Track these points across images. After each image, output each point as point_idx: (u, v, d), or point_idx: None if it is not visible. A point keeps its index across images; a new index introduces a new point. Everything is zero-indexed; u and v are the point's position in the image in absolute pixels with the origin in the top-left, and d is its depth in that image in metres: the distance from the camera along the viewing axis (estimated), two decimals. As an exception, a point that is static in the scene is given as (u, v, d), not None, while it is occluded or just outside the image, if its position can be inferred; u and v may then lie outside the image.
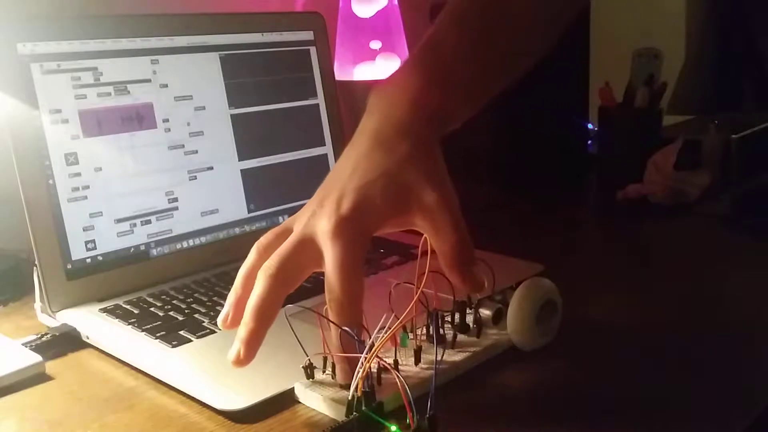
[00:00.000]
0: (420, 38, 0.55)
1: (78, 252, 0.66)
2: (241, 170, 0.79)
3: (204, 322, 0.61)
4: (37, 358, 0.57)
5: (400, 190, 0.48)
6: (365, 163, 0.49)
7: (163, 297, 0.67)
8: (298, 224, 0.49)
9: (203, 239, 0.75)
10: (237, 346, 0.47)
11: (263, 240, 0.51)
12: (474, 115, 0.54)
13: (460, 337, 0.56)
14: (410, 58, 0.54)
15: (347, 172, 0.49)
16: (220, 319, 0.50)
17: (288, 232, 0.50)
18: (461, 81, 0.53)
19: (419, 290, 0.47)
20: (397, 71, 0.54)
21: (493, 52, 0.55)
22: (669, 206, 0.94)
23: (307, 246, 0.48)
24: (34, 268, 0.64)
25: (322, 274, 0.46)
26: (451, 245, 0.47)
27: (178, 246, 0.73)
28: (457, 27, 0.55)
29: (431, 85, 0.52)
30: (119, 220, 0.69)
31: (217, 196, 0.76)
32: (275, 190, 0.81)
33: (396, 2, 1.02)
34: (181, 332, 0.59)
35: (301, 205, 0.51)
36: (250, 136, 0.79)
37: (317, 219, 0.48)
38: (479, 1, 0.56)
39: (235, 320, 0.49)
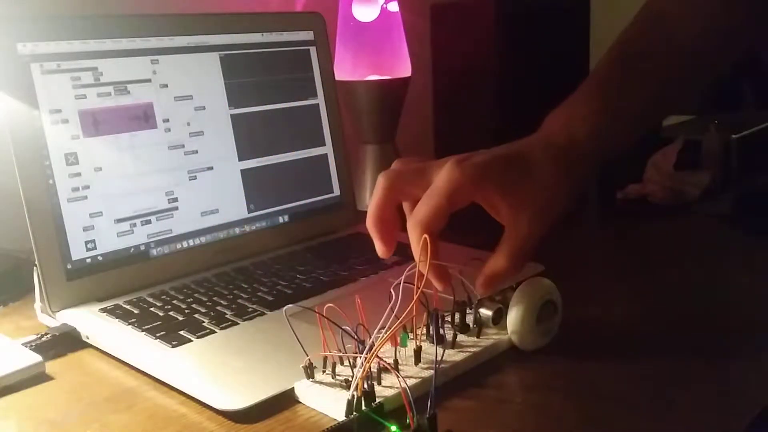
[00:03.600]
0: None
1: (78, 252, 0.66)
2: (241, 170, 0.79)
3: (204, 322, 0.61)
4: (37, 358, 0.57)
5: (516, 184, 0.53)
6: (511, 145, 0.56)
7: (163, 297, 0.67)
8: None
9: (203, 239, 0.75)
10: (377, 245, 0.54)
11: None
12: (632, 145, 0.60)
13: (460, 337, 0.56)
14: (577, 91, 0.59)
15: None
16: (382, 254, 0.54)
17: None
18: (622, 110, 0.58)
19: (419, 290, 0.47)
20: (566, 101, 0.59)
21: (655, 80, 0.59)
22: (669, 206, 0.94)
23: (427, 173, 0.53)
24: (34, 268, 0.64)
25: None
26: (497, 263, 0.53)
27: (178, 246, 0.73)
28: (618, 61, 0.60)
29: (594, 113, 0.57)
30: (119, 220, 0.69)
31: (217, 196, 0.76)
32: (275, 190, 0.81)
33: (396, 3, 1.02)
34: (181, 332, 0.59)
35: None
36: (250, 136, 0.79)
37: (450, 158, 0.53)
38: (640, 31, 0.61)
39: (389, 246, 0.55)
